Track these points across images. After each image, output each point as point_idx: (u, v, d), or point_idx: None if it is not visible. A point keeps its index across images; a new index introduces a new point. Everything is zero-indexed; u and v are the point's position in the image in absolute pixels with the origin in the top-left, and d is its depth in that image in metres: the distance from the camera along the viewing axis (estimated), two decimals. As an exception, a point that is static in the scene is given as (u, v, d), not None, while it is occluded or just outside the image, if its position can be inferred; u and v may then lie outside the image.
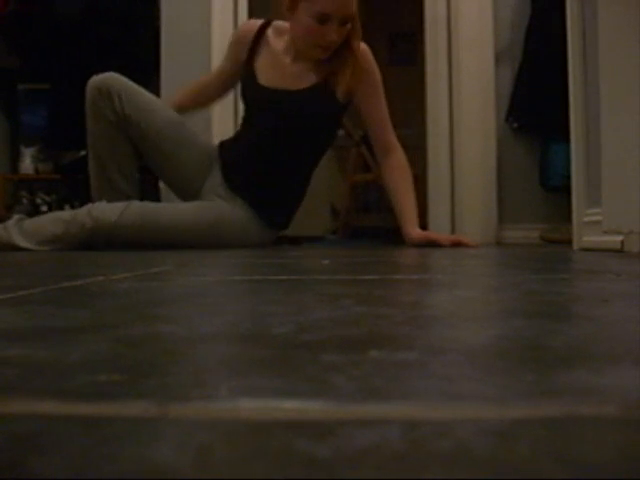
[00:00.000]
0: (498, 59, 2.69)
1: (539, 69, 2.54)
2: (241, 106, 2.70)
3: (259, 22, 2.03)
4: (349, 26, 1.84)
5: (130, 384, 0.24)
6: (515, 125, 2.66)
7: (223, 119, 2.67)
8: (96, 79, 1.86)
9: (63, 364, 0.27)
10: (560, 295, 0.57)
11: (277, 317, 0.41)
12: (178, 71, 2.67)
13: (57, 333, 0.35)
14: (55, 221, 1.75)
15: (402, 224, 1.93)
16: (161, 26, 2.70)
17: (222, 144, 2.03)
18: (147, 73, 2.93)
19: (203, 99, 2.13)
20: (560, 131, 2.04)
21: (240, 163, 1.94)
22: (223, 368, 0.27)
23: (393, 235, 2.42)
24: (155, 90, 2.69)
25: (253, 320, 0.41)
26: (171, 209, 1.85)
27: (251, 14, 2.76)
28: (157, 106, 1.91)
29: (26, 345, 0.32)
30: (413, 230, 1.90)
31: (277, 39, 1.99)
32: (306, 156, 2.00)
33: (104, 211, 1.74)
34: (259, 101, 1.94)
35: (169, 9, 2.70)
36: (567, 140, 1.77)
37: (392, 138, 1.98)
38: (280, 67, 1.94)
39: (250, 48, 1.98)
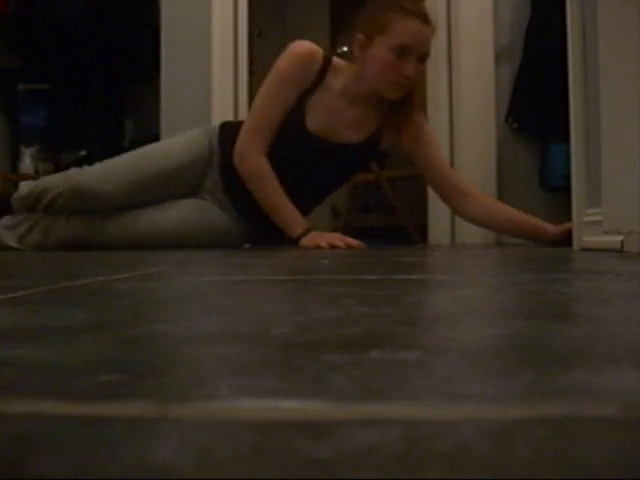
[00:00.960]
0: (498, 59, 2.69)
1: (539, 69, 2.54)
2: (241, 98, 2.71)
3: (319, 49, 1.82)
4: (423, 67, 1.79)
5: (130, 384, 0.24)
6: (515, 125, 2.66)
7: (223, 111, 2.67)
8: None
9: (63, 364, 0.27)
10: (560, 295, 0.57)
11: (277, 317, 0.41)
12: (178, 71, 2.67)
13: (57, 333, 0.35)
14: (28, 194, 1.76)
15: (539, 231, 1.85)
16: (161, 26, 2.70)
17: (223, 139, 1.88)
18: (147, 73, 2.93)
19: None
20: (560, 131, 2.04)
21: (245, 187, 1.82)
22: (223, 368, 0.27)
23: (393, 235, 2.41)
24: (155, 90, 2.69)
25: (253, 320, 0.41)
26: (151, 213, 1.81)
27: (251, 14, 2.76)
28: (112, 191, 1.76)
29: (26, 345, 0.32)
30: (551, 227, 1.84)
31: (335, 78, 1.81)
32: (326, 192, 1.97)
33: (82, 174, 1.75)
34: (301, 146, 1.80)
35: (169, 9, 2.70)
36: (567, 140, 1.77)
37: (460, 179, 1.91)
38: (334, 111, 1.79)
39: (316, 77, 1.79)
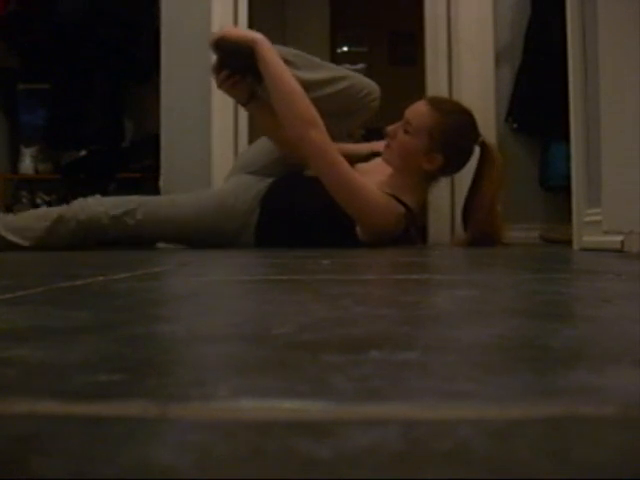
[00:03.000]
0: (498, 59, 2.69)
1: (539, 69, 2.54)
2: (242, 115, 2.70)
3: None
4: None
5: (130, 384, 0.24)
6: (515, 125, 2.66)
7: (223, 128, 2.67)
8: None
9: (63, 364, 0.27)
10: (560, 295, 0.57)
11: (277, 317, 0.41)
12: (178, 71, 2.67)
13: (57, 333, 0.35)
14: (44, 216, 1.76)
15: None
16: (161, 26, 2.70)
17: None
18: (147, 73, 2.93)
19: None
20: (560, 131, 2.04)
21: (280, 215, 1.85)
22: (223, 368, 0.27)
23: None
24: (155, 90, 2.69)
25: (253, 320, 0.41)
26: (171, 202, 1.84)
27: (251, 14, 2.76)
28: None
29: (26, 345, 0.32)
30: None
31: None
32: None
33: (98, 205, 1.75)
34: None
35: (169, 9, 2.70)
36: (567, 140, 1.77)
37: None
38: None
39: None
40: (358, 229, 1.75)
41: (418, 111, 1.78)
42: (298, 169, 1.88)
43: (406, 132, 1.77)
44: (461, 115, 1.83)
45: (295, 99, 1.67)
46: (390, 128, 1.81)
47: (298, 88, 1.69)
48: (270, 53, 1.72)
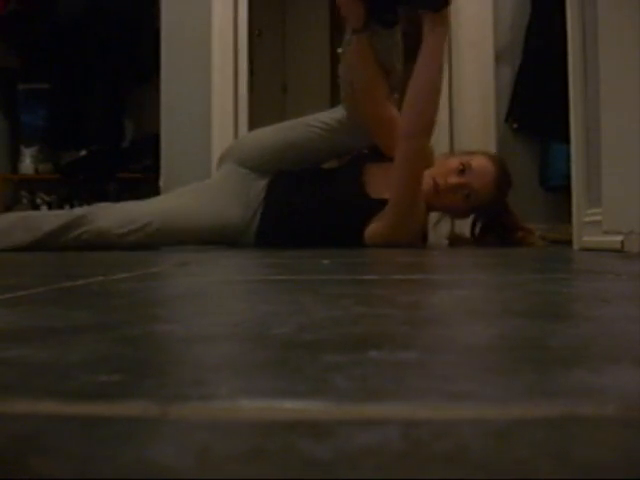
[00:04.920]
0: (498, 59, 2.68)
1: (539, 69, 2.54)
2: (241, 98, 2.70)
3: None
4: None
5: (130, 384, 0.24)
6: (515, 125, 2.66)
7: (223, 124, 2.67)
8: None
9: (63, 364, 0.27)
10: (560, 295, 0.57)
11: (277, 317, 0.41)
12: (178, 71, 2.67)
13: (57, 333, 0.35)
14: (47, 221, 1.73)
15: None
16: (161, 26, 2.70)
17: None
18: (147, 73, 2.93)
19: None
20: (560, 131, 2.04)
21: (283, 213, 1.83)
22: (223, 368, 0.27)
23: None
24: (155, 90, 2.69)
25: (253, 320, 0.41)
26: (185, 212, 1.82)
27: (251, 14, 2.76)
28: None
29: (26, 345, 0.32)
30: None
31: None
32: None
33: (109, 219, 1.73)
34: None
35: (169, 10, 2.70)
36: (567, 140, 1.77)
37: None
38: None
39: None
40: (366, 232, 1.76)
41: (488, 193, 1.76)
42: (293, 169, 1.88)
43: (467, 198, 1.75)
44: (507, 189, 1.86)
45: (435, 100, 1.59)
46: (449, 185, 1.74)
47: (440, 92, 1.62)
48: (443, 39, 1.59)
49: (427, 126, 1.61)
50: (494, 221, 1.91)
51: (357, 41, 1.68)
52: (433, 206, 1.81)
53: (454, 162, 1.76)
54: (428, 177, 1.72)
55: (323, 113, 1.97)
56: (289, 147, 1.90)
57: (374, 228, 1.73)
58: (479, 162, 1.77)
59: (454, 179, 1.73)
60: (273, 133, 1.96)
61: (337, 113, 1.90)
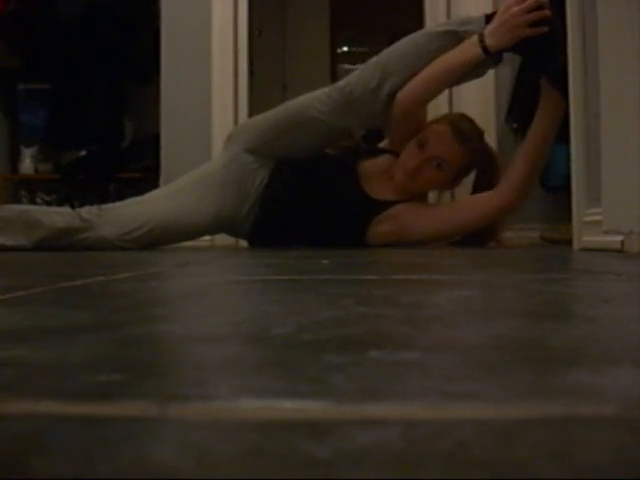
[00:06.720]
0: (498, 59, 2.68)
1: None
2: (241, 98, 2.70)
3: None
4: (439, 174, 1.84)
5: (130, 384, 0.24)
6: (515, 125, 2.65)
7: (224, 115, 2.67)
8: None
9: (63, 364, 0.27)
10: (560, 295, 0.57)
11: (277, 317, 0.41)
12: (178, 71, 2.67)
13: (57, 333, 0.35)
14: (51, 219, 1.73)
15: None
16: (161, 26, 2.70)
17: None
18: (147, 73, 2.93)
19: None
20: (560, 131, 2.04)
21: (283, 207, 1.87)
22: (223, 368, 0.27)
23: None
24: (155, 90, 2.69)
25: (253, 320, 0.41)
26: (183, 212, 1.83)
27: (251, 14, 2.76)
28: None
29: (26, 345, 0.32)
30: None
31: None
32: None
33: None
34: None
35: (169, 9, 2.70)
36: (567, 140, 1.77)
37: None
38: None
39: None
40: (368, 233, 1.80)
41: (453, 152, 1.80)
42: (298, 157, 1.89)
43: (439, 167, 1.80)
44: (482, 146, 1.91)
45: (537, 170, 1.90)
46: (414, 165, 1.79)
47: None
48: (556, 123, 1.80)
49: (521, 192, 1.87)
50: (488, 167, 1.93)
51: (475, 55, 1.81)
52: (418, 190, 1.87)
53: (412, 142, 1.81)
54: (398, 170, 1.81)
55: (323, 89, 2.01)
56: (289, 123, 1.90)
57: (493, 201, 1.84)
58: (432, 130, 1.82)
59: (417, 157, 1.79)
60: (275, 110, 1.97)
61: (334, 91, 1.94)
